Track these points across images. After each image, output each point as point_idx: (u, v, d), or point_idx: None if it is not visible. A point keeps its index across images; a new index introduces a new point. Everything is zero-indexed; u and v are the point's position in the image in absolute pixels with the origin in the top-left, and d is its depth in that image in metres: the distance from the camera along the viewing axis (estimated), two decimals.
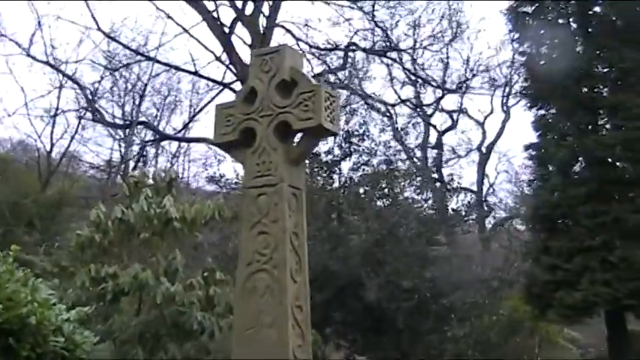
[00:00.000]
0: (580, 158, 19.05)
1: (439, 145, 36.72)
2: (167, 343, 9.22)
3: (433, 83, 31.81)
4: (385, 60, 30.37)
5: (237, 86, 26.47)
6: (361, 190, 19.42)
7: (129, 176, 11.68)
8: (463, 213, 21.61)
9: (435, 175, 30.92)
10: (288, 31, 27.06)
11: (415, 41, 28.97)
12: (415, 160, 30.04)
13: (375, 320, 16.18)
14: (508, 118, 36.62)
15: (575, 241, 17.63)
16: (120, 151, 29.53)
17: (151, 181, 10.56)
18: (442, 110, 36.65)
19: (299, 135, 5.22)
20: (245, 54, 25.64)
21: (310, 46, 27.21)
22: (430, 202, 21.64)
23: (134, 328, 9.19)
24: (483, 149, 37.60)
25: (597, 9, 19.59)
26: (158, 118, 31.37)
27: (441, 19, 29.85)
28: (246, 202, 5.11)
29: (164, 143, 31.64)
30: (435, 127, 36.54)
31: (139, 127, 29.65)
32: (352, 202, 18.62)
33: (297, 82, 5.13)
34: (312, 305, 5.03)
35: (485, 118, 37.44)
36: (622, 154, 18.30)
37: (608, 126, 19.34)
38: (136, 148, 30.11)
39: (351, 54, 27.71)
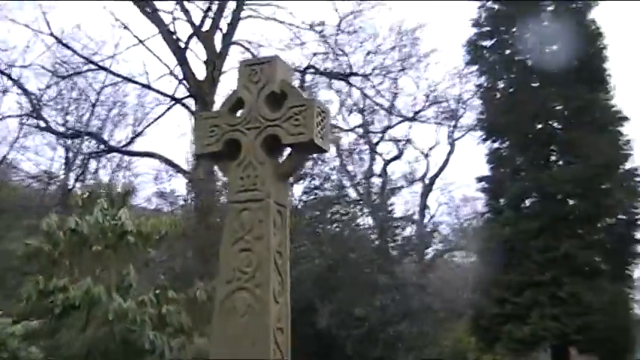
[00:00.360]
0: (532, 193, 19.22)
1: (384, 174, 36.73)
2: None
3: (390, 110, 31.73)
4: (335, 86, 30.21)
5: (190, 102, 26.09)
6: (313, 214, 19.21)
7: (83, 186, 11.27)
8: (415, 243, 21.63)
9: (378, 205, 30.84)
10: (247, 49, 26.77)
11: (374, 68, 28.85)
12: (359, 187, 29.89)
13: (324, 347, 15.93)
14: (452, 151, 36.94)
15: (525, 275, 17.75)
16: (67, 161, 28.46)
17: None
18: (390, 140, 36.69)
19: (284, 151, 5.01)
20: (199, 70, 25.31)
21: None
22: (379, 229, 21.57)
23: (81, 345, 8.80)
24: (426, 180, 37.79)
25: (554, 47, 19.88)
26: (102, 129, 30.49)
27: (393, 48, 29.83)
28: (229, 217, 4.86)
29: (108, 156, 30.72)
30: (380, 155, 36.59)
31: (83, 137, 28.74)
32: (303, 226, 18.40)
33: (287, 95, 4.93)
34: None
35: (430, 149, 37.69)
36: (572, 190, 18.53)
37: (560, 162, 19.63)
38: (78, 160, 29.13)
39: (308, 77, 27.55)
